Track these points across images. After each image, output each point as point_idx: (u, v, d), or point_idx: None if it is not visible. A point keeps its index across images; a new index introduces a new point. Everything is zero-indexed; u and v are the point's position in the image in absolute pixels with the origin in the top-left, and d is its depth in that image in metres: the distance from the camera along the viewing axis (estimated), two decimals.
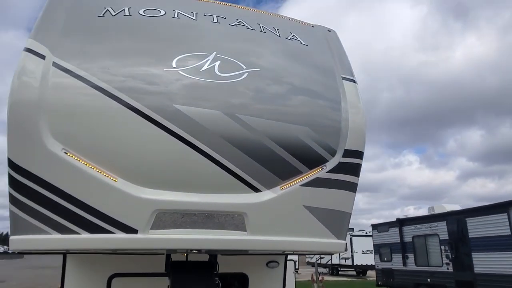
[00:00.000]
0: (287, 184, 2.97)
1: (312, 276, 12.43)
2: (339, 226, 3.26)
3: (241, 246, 2.88)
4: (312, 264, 32.80)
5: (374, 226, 15.60)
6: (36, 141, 2.55)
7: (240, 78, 2.90)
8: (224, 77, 2.85)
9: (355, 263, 25.75)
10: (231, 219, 2.86)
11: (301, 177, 3.00)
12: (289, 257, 7.82)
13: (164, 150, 2.71)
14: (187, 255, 3.45)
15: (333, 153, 3.10)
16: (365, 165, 3.39)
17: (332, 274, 28.64)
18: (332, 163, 3.09)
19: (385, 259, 14.49)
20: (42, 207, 2.63)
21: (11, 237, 2.70)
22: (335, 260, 27.73)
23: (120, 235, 2.68)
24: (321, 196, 3.08)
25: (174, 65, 2.79)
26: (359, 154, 3.26)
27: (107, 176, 2.64)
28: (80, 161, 2.61)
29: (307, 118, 3.06)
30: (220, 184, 2.81)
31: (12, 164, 2.58)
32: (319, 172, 3.05)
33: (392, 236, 14.07)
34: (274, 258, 5.06)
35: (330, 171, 3.08)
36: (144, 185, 2.70)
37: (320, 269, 32.13)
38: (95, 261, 4.14)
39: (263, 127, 2.87)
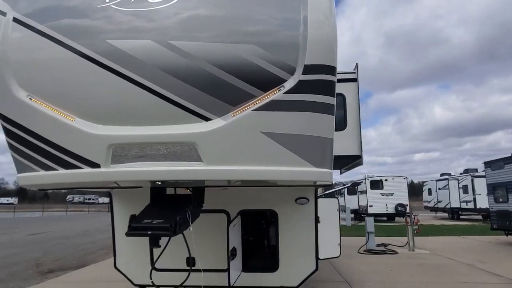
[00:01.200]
0: (238, 110, 2.79)
1: (406, 219, 11.66)
2: (315, 153, 2.96)
3: (198, 176, 2.86)
4: (431, 209, 30.60)
5: (487, 164, 13.52)
6: (6, 91, 2.91)
7: (172, 2, 2.74)
8: (155, 3, 2.74)
9: (478, 207, 23.05)
10: (187, 150, 2.85)
11: (254, 101, 2.78)
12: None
13: (108, 87, 2.80)
14: (175, 189, 3.60)
15: (291, 71, 2.76)
16: None
17: (452, 218, 26.29)
18: (290, 82, 2.77)
19: (501, 200, 12.59)
20: (25, 148, 3.05)
21: (17, 176, 3.23)
22: (455, 203, 25.28)
23: (87, 169, 2.95)
24: (283, 121, 2.82)
25: (106, 0, 2.79)
26: (328, 70, 2.83)
27: (66, 117, 2.89)
28: (43, 105, 2.90)
29: (253, 35, 2.76)
30: (167, 116, 2.80)
31: None
32: (275, 94, 2.77)
33: (508, 174, 12.06)
34: (303, 194, 4.91)
35: (290, 92, 2.76)
36: (97, 122, 2.88)
37: (440, 214, 29.87)
38: (138, 198, 4.66)
39: (200, 51, 2.71)
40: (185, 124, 2.81)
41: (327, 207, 5.49)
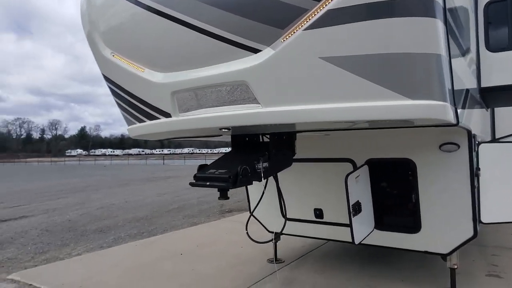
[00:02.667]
0: (288, 33, 2.16)
1: None
2: (408, 78, 2.06)
3: (256, 120, 2.44)
4: None
5: None
6: (98, 51, 3.16)
7: None
8: None
9: None
10: (241, 91, 2.47)
11: (305, 18, 2.08)
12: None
13: (158, 30, 2.66)
14: (261, 136, 3.27)
15: None
16: None
17: None
18: None
19: None
20: (121, 102, 3.31)
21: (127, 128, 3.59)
22: None
23: (163, 119, 2.97)
24: (348, 38, 2.03)
25: None
26: None
27: (137, 68, 2.92)
28: (121, 59, 3.02)
29: None
30: (214, 54, 2.45)
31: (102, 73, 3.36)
32: (332, 1, 2.00)
33: None
34: (449, 139, 3.71)
35: None
36: (160, 70, 2.80)
37: None
38: None
39: None
40: (234, 60, 2.41)
41: (500, 156, 4.03)
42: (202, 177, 2.80)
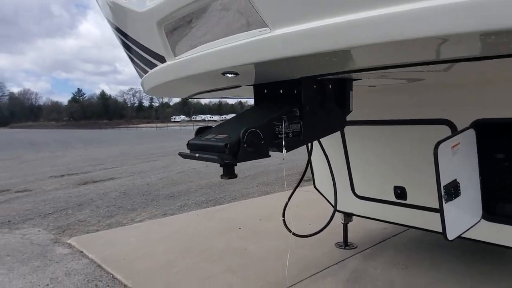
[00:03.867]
0: None
1: None
2: None
3: (266, 53, 1.48)
4: None
5: None
6: None
7: None
8: None
9: None
10: (243, 10, 1.51)
11: None
12: None
13: None
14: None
15: None
16: None
17: None
18: None
19: None
20: (124, 49, 2.61)
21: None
22: None
23: (159, 66, 2.18)
24: None
25: None
26: None
27: None
28: None
29: None
30: None
31: None
32: None
33: None
34: None
35: None
36: None
37: None
38: None
39: None
40: None
41: None
42: (195, 146, 1.98)
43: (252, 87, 2.24)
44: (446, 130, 3.03)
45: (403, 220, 3.65)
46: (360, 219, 4.20)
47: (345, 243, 4.36)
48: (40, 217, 6.43)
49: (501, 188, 3.20)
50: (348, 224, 4.34)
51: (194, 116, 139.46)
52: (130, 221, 6.01)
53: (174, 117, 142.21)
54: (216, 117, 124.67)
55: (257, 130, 1.69)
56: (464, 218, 2.83)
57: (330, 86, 2.07)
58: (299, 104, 1.93)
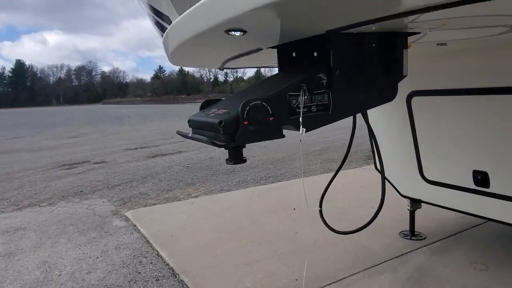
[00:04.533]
0: None
1: None
2: None
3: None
4: None
5: None
6: None
7: None
8: None
9: None
10: None
11: None
12: None
13: None
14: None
15: None
16: None
17: None
18: None
19: None
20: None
21: None
22: None
23: (167, 29, 1.85)
24: None
25: None
26: None
27: None
28: None
29: None
30: None
31: None
32: None
33: None
34: None
35: None
36: None
37: None
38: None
39: None
40: None
41: None
42: (193, 123, 1.63)
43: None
44: None
45: (483, 211, 2.98)
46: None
47: (412, 233, 3.78)
48: (108, 189, 6.76)
49: None
50: (415, 212, 3.74)
51: None
52: (187, 196, 6.01)
53: None
54: None
55: (263, 103, 1.29)
56: None
57: (371, 42, 1.56)
58: (326, 68, 1.47)
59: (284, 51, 1.75)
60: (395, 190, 3.78)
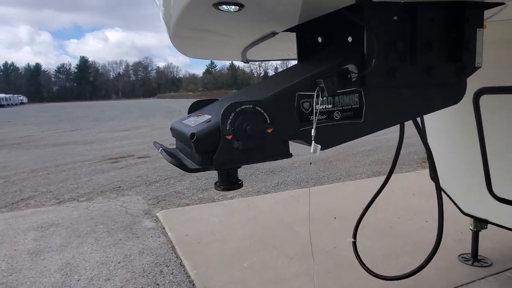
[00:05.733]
0: None
1: None
2: None
3: None
4: None
5: None
6: None
7: None
8: None
9: None
10: None
11: None
12: None
13: None
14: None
15: None
16: None
17: None
18: None
19: None
20: None
21: None
22: None
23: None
24: None
25: None
26: None
27: None
28: None
29: None
30: None
31: None
32: None
33: None
34: None
35: None
36: None
37: None
38: None
39: None
40: None
41: None
42: (174, 130, 1.25)
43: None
44: None
45: None
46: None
47: (474, 257, 3.16)
48: (145, 185, 6.69)
49: None
50: (479, 233, 3.12)
51: None
52: (222, 196, 5.73)
53: None
54: None
55: (257, 108, 0.90)
56: None
57: (427, 16, 1.08)
58: (357, 55, 1.02)
59: (304, 35, 1.33)
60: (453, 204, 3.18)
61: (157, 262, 3.47)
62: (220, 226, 4.29)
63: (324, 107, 1.01)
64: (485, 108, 2.58)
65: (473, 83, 2.61)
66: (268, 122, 0.92)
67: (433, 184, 2.22)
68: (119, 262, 3.52)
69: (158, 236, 4.14)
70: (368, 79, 1.04)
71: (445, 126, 3.01)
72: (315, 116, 0.98)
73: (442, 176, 3.30)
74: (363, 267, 2.24)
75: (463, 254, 3.26)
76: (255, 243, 3.76)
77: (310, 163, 1.07)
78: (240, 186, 1.10)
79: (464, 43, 1.13)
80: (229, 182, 1.07)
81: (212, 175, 6.00)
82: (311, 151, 0.97)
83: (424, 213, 4.31)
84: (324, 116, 1.01)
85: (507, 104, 2.45)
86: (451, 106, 2.88)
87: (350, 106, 1.05)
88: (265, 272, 3.16)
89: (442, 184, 3.32)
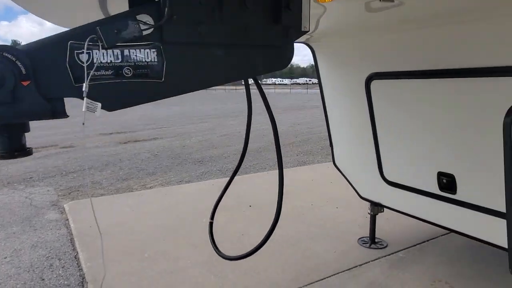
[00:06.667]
0: None
1: None
2: None
3: None
4: None
5: None
6: None
7: None
8: None
9: None
10: None
11: None
12: None
13: None
14: None
15: None
16: None
17: None
18: None
19: None
20: None
21: None
22: None
23: None
24: None
25: None
26: None
27: None
28: None
29: None
30: None
31: None
32: None
33: None
34: None
35: None
36: None
37: None
38: (351, 61, 2.61)
39: None
40: None
41: None
42: None
43: None
44: None
45: (447, 221, 2.47)
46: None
47: (372, 240, 3.28)
48: (61, 175, 6.22)
49: None
50: (376, 216, 3.23)
51: (264, 80, 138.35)
52: (141, 186, 5.48)
53: None
54: (286, 80, 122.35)
55: (7, 55, 0.76)
56: None
57: None
58: (153, 4, 0.91)
59: None
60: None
61: (49, 256, 3.20)
62: (131, 216, 4.08)
63: (109, 61, 0.89)
64: (376, 94, 2.65)
65: (365, 68, 2.67)
66: (24, 73, 0.79)
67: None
68: (5, 258, 3.19)
69: (59, 228, 3.83)
70: (166, 33, 0.94)
71: (343, 113, 3.06)
72: (87, 69, 0.85)
73: (343, 162, 3.38)
74: (213, 248, 2.21)
75: (362, 237, 3.37)
76: (163, 233, 3.60)
77: (83, 123, 0.93)
78: (25, 154, 0.95)
79: (284, 2, 1.07)
80: (6, 148, 0.92)
81: (137, 166, 5.67)
82: (83, 109, 0.86)
83: (336, 201, 4.42)
84: (110, 72, 0.90)
85: (393, 88, 2.52)
86: (348, 93, 2.92)
87: (145, 63, 0.95)
88: (165, 262, 3.03)
89: (343, 170, 3.41)
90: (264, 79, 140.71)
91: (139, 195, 4.93)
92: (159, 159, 7.51)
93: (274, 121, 1.74)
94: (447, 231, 3.40)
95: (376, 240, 3.28)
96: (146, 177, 6.06)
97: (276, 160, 1.76)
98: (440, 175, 2.35)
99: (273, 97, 42.72)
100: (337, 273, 2.79)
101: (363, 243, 3.28)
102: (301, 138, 9.93)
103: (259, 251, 3.18)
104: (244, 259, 3.04)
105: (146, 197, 4.83)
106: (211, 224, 2.24)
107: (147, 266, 2.94)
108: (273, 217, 2.52)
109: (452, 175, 2.28)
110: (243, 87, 1.80)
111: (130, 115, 18.79)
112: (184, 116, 17.85)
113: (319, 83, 3.13)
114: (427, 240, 3.30)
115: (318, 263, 2.94)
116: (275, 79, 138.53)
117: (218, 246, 3.20)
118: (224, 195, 4.16)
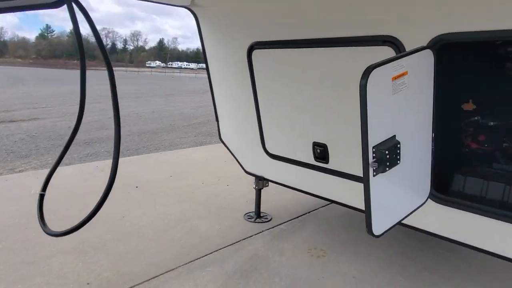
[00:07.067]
0: None
1: None
2: None
3: None
4: None
5: None
6: None
7: None
8: None
9: None
10: None
11: None
12: None
13: None
14: None
15: None
16: None
17: None
18: None
19: None
20: None
21: None
22: None
23: None
24: None
25: None
26: None
27: None
28: None
29: None
30: None
31: None
32: None
33: None
34: None
35: None
36: None
37: None
38: (234, 29, 2.45)
39: None
40: None
41: None
42: None
43: None
44: (390, 53, 1.86)
45: (323, 191, 2.57)
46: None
47: (257, 215, 3.30)
48: None
49: (469, 153, 2.14)
50: (261, 191, 3.25)
51: (170, 63, 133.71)
52: (9, 170, 4.76)
53: (149, 62, 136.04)
54: (192, 65, 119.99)
55: None
56: (402, 198, 1.76)
57: None
58: None
59: None
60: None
61: None
62: None
63: None
64: (257, 64, 2.59)
65: (246, 38, 2.59)
66: None
67: None
68: None
69: None
70: None
71: (227, 85, 2.97)
72: None
73: (228, 136, 3.31)
74: (39, 222, 2.00)
75: (249, 213, 3.37)
76: (27, 220, 3.13)
77: None
78: None
79: None
80: None
81: (8, 149, 4.84)
82: None
83: (228, 179, 4.38)
84: None
85: (272, 58, 2.50)
86: (231, 62, 2.79)
87: None
88: (25, 251, 2.62)
89: (228, 144, 3.35)
90: (170, 62, 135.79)
91: (4, 180, 4.25)
92: (36, 141, 6.64)
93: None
94: (328, 202, 3.59)
95: (261, 215, 3.30)
96: (17, 160, 5.28)
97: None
98: (315, 145, 2.41)
99: (178, 80, 41.55)
100: (219, 249, 2.73)
101: (249, 218, 3.27)
102: (201, 119, 9.76)
103: (138, 232, 2.97)
104: (120, 242, 2.80)
105: (12, 182, 4.18)
106: (41, 196, 1.96)
107: (4, 257, 2.51)
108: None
109: (324, 144, 2.34)
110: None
111: (10, 94, 16.51)
112: (74, 95, 16.23)
113: (203, 54, 2.97)
114: (309, 212, 3.44)
115: (201, 241, 2.84)
116: (181, 62, 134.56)
117: (91, 232, 2.89)
118: (108, 176, 3.76)
